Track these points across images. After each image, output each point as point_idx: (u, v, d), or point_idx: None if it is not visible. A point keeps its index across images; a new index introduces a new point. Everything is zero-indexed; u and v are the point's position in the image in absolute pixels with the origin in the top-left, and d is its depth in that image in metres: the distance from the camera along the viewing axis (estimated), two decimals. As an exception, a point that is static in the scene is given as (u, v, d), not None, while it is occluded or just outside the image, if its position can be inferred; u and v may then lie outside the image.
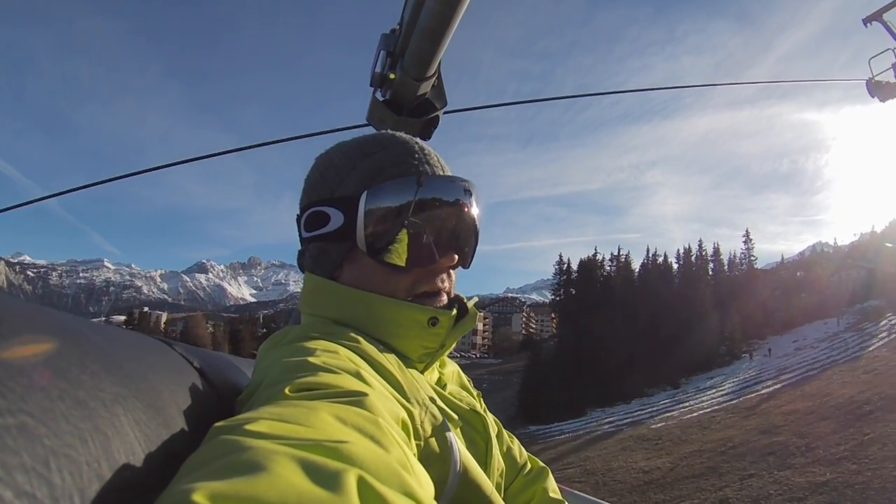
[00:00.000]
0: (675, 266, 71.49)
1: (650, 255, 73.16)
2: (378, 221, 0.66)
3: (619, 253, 73.35)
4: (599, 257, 71.82)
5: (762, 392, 35.68)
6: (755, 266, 74.04)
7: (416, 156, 0.71)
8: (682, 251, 73.04)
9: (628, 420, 40.81)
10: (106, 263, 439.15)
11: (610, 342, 57.68)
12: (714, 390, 43.06)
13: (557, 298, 68.13)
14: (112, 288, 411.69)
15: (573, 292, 66.96)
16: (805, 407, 27.57)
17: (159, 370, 0.43)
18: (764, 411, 29.61)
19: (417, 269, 0.68)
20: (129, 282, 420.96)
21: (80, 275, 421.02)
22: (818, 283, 68.75)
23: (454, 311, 0.69)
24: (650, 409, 42.19)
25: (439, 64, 1.46)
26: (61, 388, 0.27)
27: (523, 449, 0.89)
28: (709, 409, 35.27)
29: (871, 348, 39.37)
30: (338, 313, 0.66)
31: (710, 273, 71.07)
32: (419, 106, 1.57)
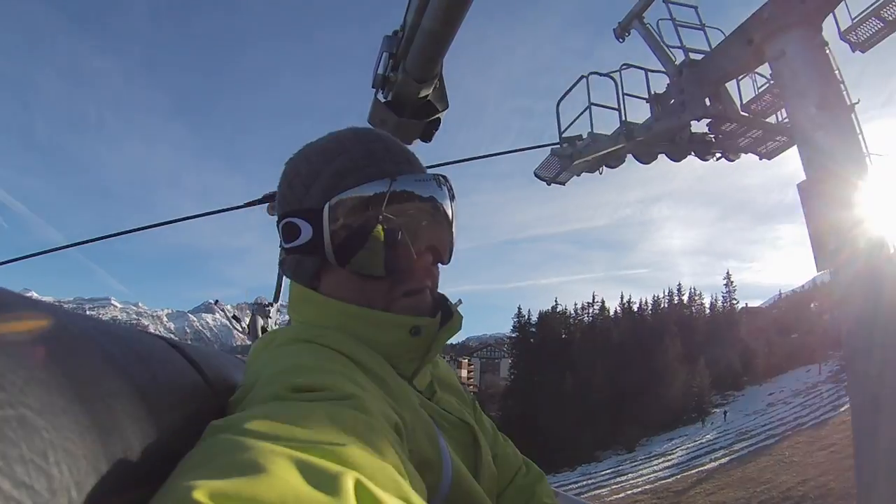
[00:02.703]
0: (650, 311, 65.54)
1: (623, 301, 67.14)
2: (344, 230, 0.63)
3: (594, 300, 67.89)
4: (561, 307, 66.76)
5: (704, 468, 30.66)
6: (737, 305, 67.16)
7: (378, 155, 0.67)
8: (655, 297, 67.47)
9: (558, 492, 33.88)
10: (113, 302, 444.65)
11: (566, 399, 50.50)
12: (662, 459, 37.07)
13: (515, 353, 62.17)
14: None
15: (530, 344, 60.55)
16: (732, 499, 22.81)
17: (157, 367, 0.43)
18: (690, 500, 24.67)
19: (393, 274, 0.65)
20: (135, 320, 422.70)
21: (87, 313, 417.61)
22: (810, 321, 60.89)
23: (437, 319, 0.67)
24: (587, 481, 35.66)
25: (441, 66, 1.48)
26: (60, 382, 0.27)
27: (518, 453, 0.85)
28: (638, 490, 29.09)
29: (843, 408, 32.72)
30: (324, 320, 0.65)
31: (689, 316, 64.51)
32: (421, 107, 1.58)
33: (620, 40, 4.93)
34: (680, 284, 71.80)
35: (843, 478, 20.40)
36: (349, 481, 0.28)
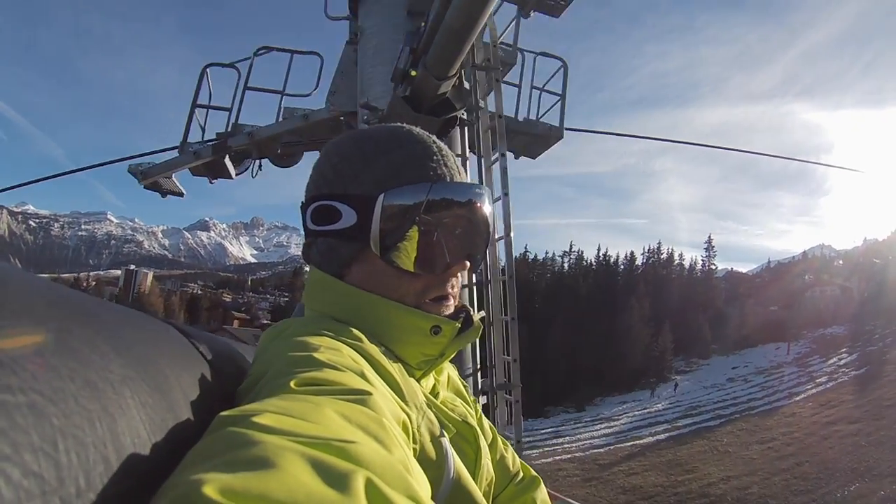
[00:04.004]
0: (622, 269, 62.84)
1: (600, 254, 64.08)
2: (393, 224, 0.64)
3: (570, 249, 64.95)
4: (532, 254, 64.08)
5: (640, 441, 29.39)
6: (717, 270, 64.05)
7: (435, 157, 0.68)
8: (629, 253, 64.50)
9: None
10: (109, 216, 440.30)
11: (523, 350, 48.80)
12: (606, 424, 35.79)
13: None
14: (113, 241, 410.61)
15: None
16: (650, 484, 21.05)
17: (166, 353, 0.43)
18: (610, 477, 23.10)
19: (428, 275, 0.67)
20: (130, 236, 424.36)
21: (82, 227, 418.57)
22: (792, 294, 58.52)
23: (459, 323, 0.68)
24: (527, 438, 34.43)
25: (461, 64, 1.49)
26: (71, 368, 0.27)
27: (517, 457, 0.86)
28: (567, 457, 27.86)
29: (799, 397, 31.16)
30: (341, 312, 0.65)
31: (665, 276, 61.87)
32: (438, 104, 1.60)
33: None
34: (660, 243, 68.71)
35: (766, 483, 18.71)
36: (360, 479, 0.28)
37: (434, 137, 0.71)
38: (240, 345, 0.87)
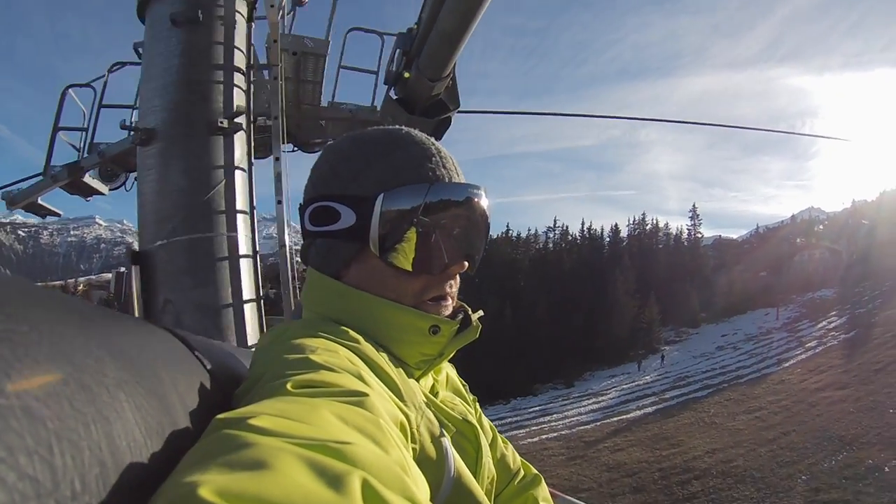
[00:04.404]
0: (607, 241, 61.90)
1: (584, 228, 62.94)
2: (392, 225, 0.65)
3: (555, 225, 63.78)
4: (515, 232, 63.03)
5: (628, 416, 28.94)
6: (703, 238, 63.39)
7: (434, 158, 0.69)
8: (614, 226, 63.33)
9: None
10: (98, 220, 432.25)
11: (505, 330, 47.99)
12: (594, 399, 35.26)
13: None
14: (103, 245, 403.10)
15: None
16: (635, 460, 20.42)
17: (162, 357, 0.42)
18: (595, 454, 22.52)
19: (427, 275, 0.67)
20: (120, 238, 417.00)
21: (72, 232, 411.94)
22: (781, 259, 57.83)
23: (457, 322, 0.69)
24: (514, 418, 34.22)
25: (454, 66, 1.48)
26: (65, 372, 0.27)
27: (517, 455, 0.86)
28: (553, 435, 27.32)
29: (788, 363, 30.61)
30: (340, 313, 0.66)
31: (650, 247, 61.00)
32: (432, 106, 1.60)
33: None
34: (644, 214, 67.62)
35: (751, 455, 17.95)
36: (356, 481, 0.28)
37: (432, 139, 0.72)
38: (238, 349, 0.89)
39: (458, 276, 0.71)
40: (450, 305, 0.69)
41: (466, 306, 0.74)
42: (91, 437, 0.27)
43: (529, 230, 68.12)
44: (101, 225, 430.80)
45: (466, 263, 0.69)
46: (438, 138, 1.59)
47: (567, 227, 63.97)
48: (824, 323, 37.33)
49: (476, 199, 0.68)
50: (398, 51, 1.55)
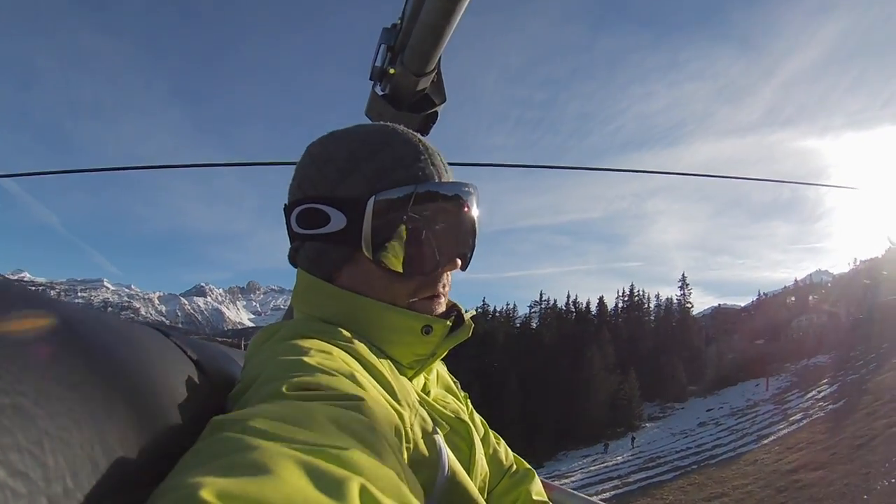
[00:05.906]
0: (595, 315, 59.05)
1: (569, 301, 60.35)
2: (383, 227, 0.64)
3: (541, 299, 61.51)
4: (491, 307, 61.25)
5: None
6: (692, 309, 59.78)
7: (423, 157, 0.68)
8: (600, 299, 60.93)
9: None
10: (105, 283, 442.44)
11: (477, 407, 43.71)
12: (559, 480, 30.06)
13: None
14: (110, 308, 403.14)
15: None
16: None
17: (154, 357, 0.43)
18: None
19: (419, 276, 0.66)
20: (127, 303, 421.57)
21: (79, 294, 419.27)
22: (778, 327, 53.81)
23: (450, 321, 0.67)
24: None
25: (439, 60, 1.50)
26: (57, 371, 0.28)
27: (510, 450, 0.88)
28: None
29: (768, 440, 26.48)
30: (331, 314, 0.65)
31: (634, 319, 57.75)
32: (418, 101, 1.60)
33: None
34: (632, 285, 64.59)
35: None
36: (354, 486, 0.28)
37: (419, 136, 0.71)
38: (232, 350, 0.87)
39: (450, 275, 0.70)
40: (443, 303, 0.68)
41: (459, 305, 0.72)
42: (83, 436, 0.27)
43: (507, 304, 66.69)
44: (108, 288, 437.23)
45: (459, 262, 0.68)
46: (426, 133, 1.62)
47: (555, 301, 61.76)
48: (814, 392, 33.20)
49: (465, 197, 0.67)
50: (382, 46, 1.52)
